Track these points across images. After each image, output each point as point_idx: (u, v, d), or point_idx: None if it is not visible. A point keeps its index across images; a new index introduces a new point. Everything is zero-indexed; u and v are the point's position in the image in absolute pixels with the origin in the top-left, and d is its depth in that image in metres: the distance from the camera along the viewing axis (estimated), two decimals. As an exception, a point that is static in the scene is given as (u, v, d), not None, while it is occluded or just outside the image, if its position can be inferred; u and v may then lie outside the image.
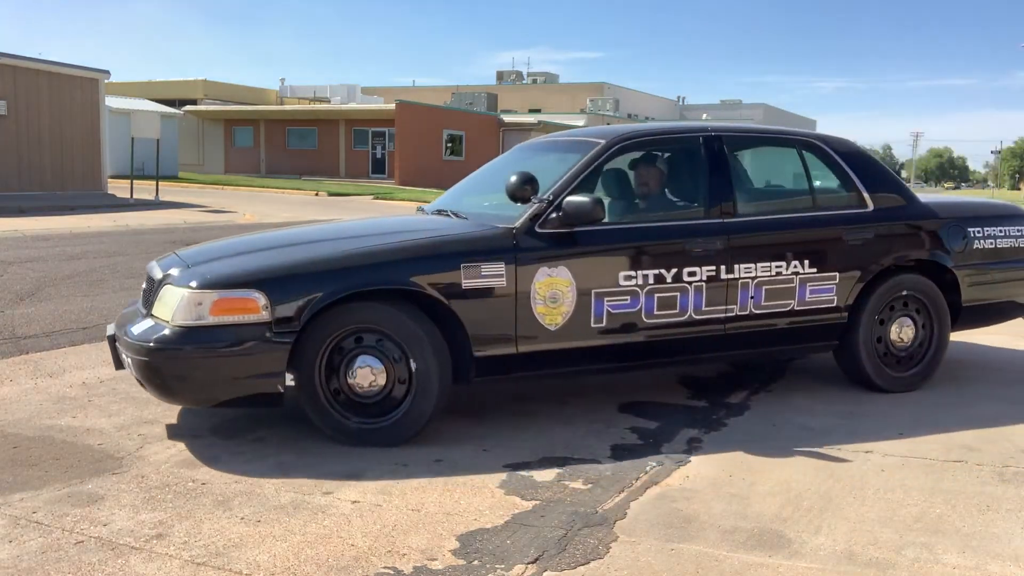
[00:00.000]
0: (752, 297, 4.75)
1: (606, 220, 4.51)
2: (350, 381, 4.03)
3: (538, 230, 4.34)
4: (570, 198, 4.35)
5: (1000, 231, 5.42)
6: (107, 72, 23.46)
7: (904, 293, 5.11)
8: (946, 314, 5.21)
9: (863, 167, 5.23)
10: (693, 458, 3.97)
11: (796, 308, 4.87)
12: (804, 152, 5.22)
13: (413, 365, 4.05)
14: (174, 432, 4.24)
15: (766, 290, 4.78)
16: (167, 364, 3.89)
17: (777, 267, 4.80)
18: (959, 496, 3.55)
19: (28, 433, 4.19)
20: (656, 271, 4.53)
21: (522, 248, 4.28)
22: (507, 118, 44.30)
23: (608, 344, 4.51)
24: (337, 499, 3.44)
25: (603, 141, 4.79)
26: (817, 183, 5.26)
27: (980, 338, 6.58)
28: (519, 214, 4.38)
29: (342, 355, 4.04)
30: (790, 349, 5.17)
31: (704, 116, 70.40)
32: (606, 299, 4.43)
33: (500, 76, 67.40)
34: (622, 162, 5.13)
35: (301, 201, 26.12)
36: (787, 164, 5.51)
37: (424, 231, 4.57)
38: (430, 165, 37.64)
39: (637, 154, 5.18)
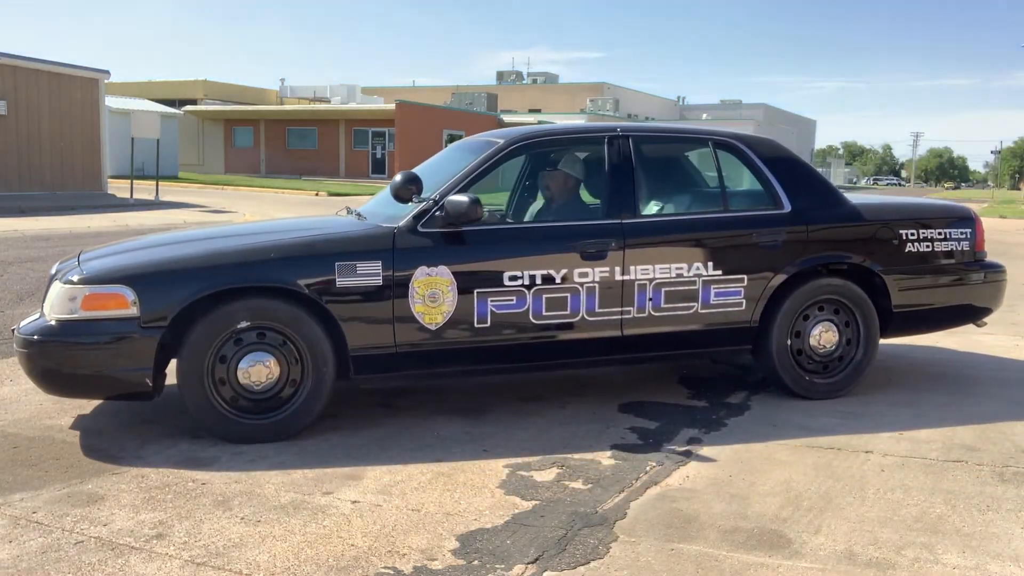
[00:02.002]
0: (650, 299, 4.64)
1: (508, 220, 4.60)
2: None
3: (420, 229, 4.36)
4: (450, 197, 4.36)
5: (939, 233, 5.19)
6: (107, 72, 23.47)
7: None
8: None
9: (783, 168, 5.06)
10: (693, 458, 3.97)
11: (700, 311, 4.73)
12: (718, 151, 5.07)
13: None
14: (174, 432, 4.24)
15: (665, 292, 4.66)
16: (41, 356, 4.00)
17: (677, 269, 4.67)
18: (959, 496, 3.55)
19: (28, 433, 4.19)
20: (544, 271, 4.46)
21: (400, 248, 4.29)
22: (507, 118, 44.30)
23: (493, 344, 4.46)
24: (337, 499, 3.44)
25: (501, 142, 4.78)
26: (729, 184, 5.10)
27: (979, 339, 6.58)
28: (403, 214, 4.43)
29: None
30: (696, 353, 5.00)
31: (704, 116, 70.44)
32: (490, 299, 4.40)
33: (500, 76, 67.40)
34: (520, 162, 5.12)
35: (301, 201, 26.12)
36: (701, 164, 5.38)
37: (310, 231, 4.64)
38: (430, 165, 37.63)
39: (536, 155, 5.17)
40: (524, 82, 66.10)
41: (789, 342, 4.91)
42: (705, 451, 4.07)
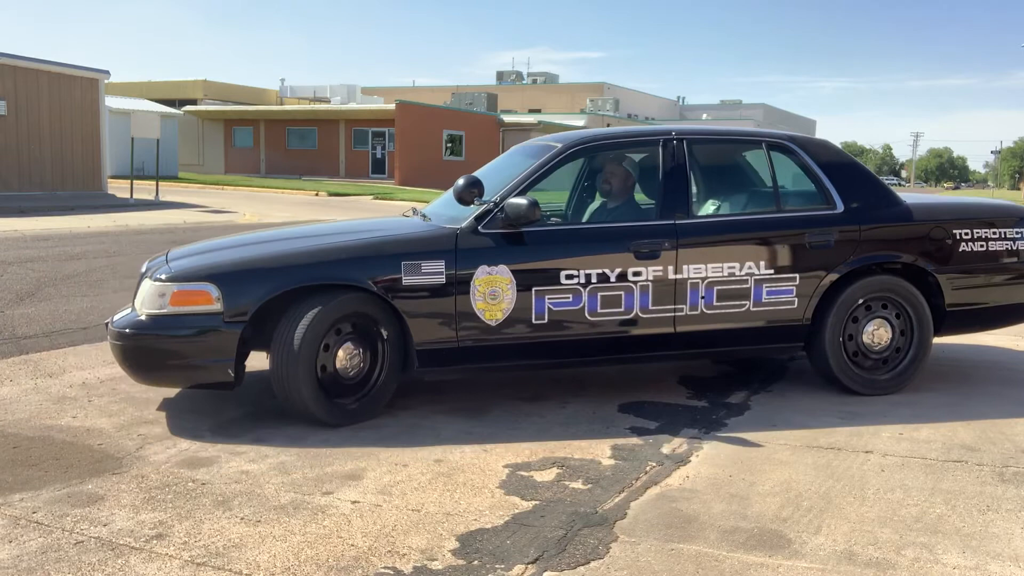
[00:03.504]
0: (703, 297, 4.75)
1: (560, 221, 4.87)
2: (336, 364, 4.37)
3: (481, 230, 4.57)
4: (509, 200, 4.57)
5: (994, 233, 5.23)
6: (107, 72, 23.47)
7: (878, 295, 5.01)
8: (927, 318, 5.05)
9: (836, 169, 5.14)
10: (693, 458, 3.97)
11: (752, 309, 4.83)
12: (772, 153, 5.16)
13: (383, 349, 4.45)
14: (174, 432, 4.24)
15: (717, 290, 4.77)
16: (132, 348, 4.32)
17: (730, 268, 4.78)
18: (959, 496, 3.55)
19: (28, 433, 4.19)
20: (599, 270, 4.62)
21: (463, 248, 4.51)
22: (507, 118, 44.30)
23: (550, 339, 4.64)
24: (337, 499, 3.44)
25: (559, 146, 4.96)
26: (783, 184, 5.18)
27: (980, 338, 6.58)
28: (465, 215, 4.62)
29: (339, 335, 4.38)
30: (749, 350, 5.08)
31: (704, 116, 70.47)
32: (547, 296, 4.56)
33: (500, 76, 67.40)
34: (577, 165, 5.30)
35: (301, 201, 26.12)
36: (754, 165, 5.46)
37: (378, 231, 4.90)
38: (430, 165, 37.65)
39: (593, 157, 5.31)
40: (524, 82, 66.10)
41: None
42: (705, 451, 4.07)
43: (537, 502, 3.43)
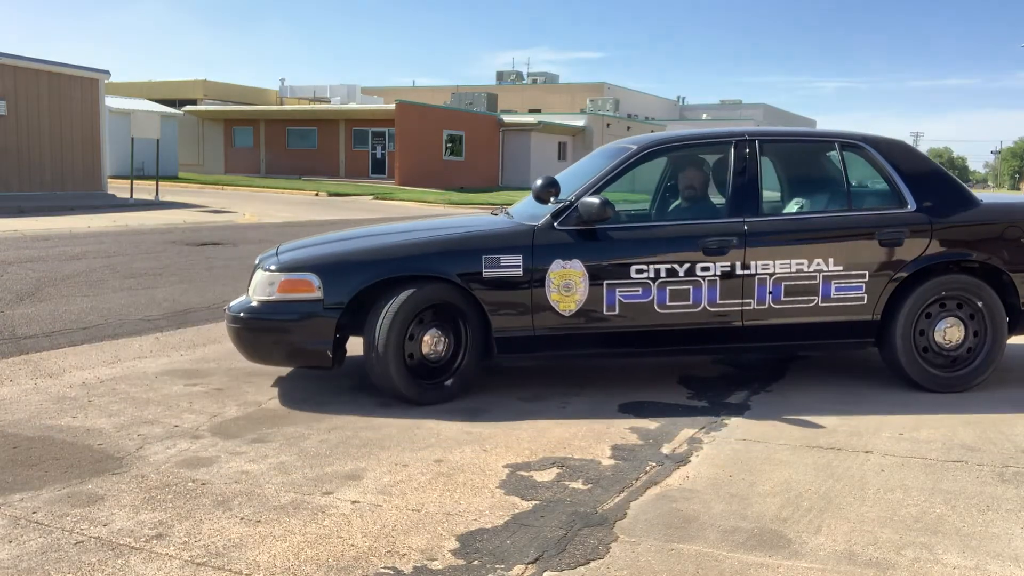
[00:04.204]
0: (770, 292, 4.92)
1: (637, 218, 5.18)
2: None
3: (557, 227, 4.87)
4: (584, 199, 4.84)
5: None
6: (107, 72, 23.47)
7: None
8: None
9: (909, 168, 5.22)
10: (693, 458, 3.97)
11: (820, 305, 4.96)
12: (845, 152, 5.28)
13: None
14: (174, 432, 4.24)
15: (785, 286, 4.93)
16: (245, 330, 4.84)
17: (798, 264, 4.93)
18: (959, 496, 3.55)
19: (28, 433, 4.19)
20: (668, 265, 4.85)
21: (539, 243, 4.82)
22: (507, 118, 44.28)
23: (621, 330, 4.89)
24: (337, 499, 3.44)
25: (634, 147, 5.23)
26: (855, 183, 5.32)
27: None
28: (543, 213, 4.93)
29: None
30: (815, 344, 5.23)
31: (704, 116, 70.40)
32: (618, 289, 4.82)
33: (500, 76, 67.39)
34: (651, 166, 5.49)
35: (301, 201, 26.12)
36: (826, 165, 5.56)
37: (462, 228, 5.30)
38: (430, 165, 37.64)
39: (666, 158, 5.53)
40: (524, 82, 66.09)
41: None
42: (705, 451, 4.07)
43: (537, 502, 3.43)
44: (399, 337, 4.63)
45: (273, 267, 4.87)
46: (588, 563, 2.92)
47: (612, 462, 3.90)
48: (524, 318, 4.80)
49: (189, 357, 5.88)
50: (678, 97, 74.11)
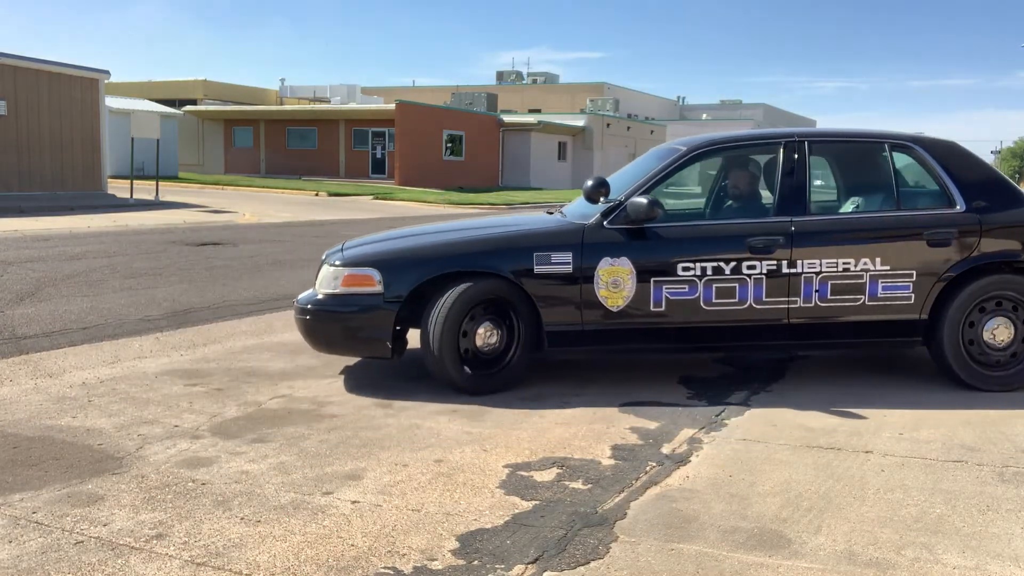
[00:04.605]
0: (817, 291, 5.00)
1: (685, 217, 5.31)
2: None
3: (606, 226, 5.04)
4: (632, 199, 5.01)
5: None
6: (107, 72, 23.47)
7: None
8: None
9: (959, 169, 5.24)
10: (693, 458, 3.97)
11: (867, 303, 5.02)
12: (894, 153, 5.34)
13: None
14: (174, 432, 4.24)
15: (831, 285, 5.00)
16: (311, 320, 5.11)
17: (844, 263, 5.01)
18: (959, 496, 3.54)
19: (28, 433, 4.19)
20: (715, 263, 4.98)
21: (588, 241, 5.01)
22: (507, 118, 44.28)
23: (668, 326, 5.05)
24: (337, 499, 3.44)
25: (683, 148, 5.36)
26: (904, 183, 5.37)
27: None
28: (593, 212, 5.12)
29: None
30: (862, 342, 5.28)
31: (704, 116, 70.37)
32: (665, 286, 4.97)
33: (500, 76, 67.39)
34: (702, 166, 5.67)
35: (301, 201, 26.12)
36: (876, 165, 5.59)
37: (515, 226, 5.55)
38: (430, 165, 37.63)
39: (715, 159, 5.65)
40: (524, 82, 66.09)
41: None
42: (705, 451, 4.07)
43: (537, 502, 3.43)
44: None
45: (338, 262, 5.17)
46: (588, 563, 2.92)
47: (612, 462, 3.90)
48: (573, 313, 4.98)
49: (189, 357, 5.88)
50: (678, 97, 74.13)
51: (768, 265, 4.97)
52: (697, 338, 5.12)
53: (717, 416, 4.64)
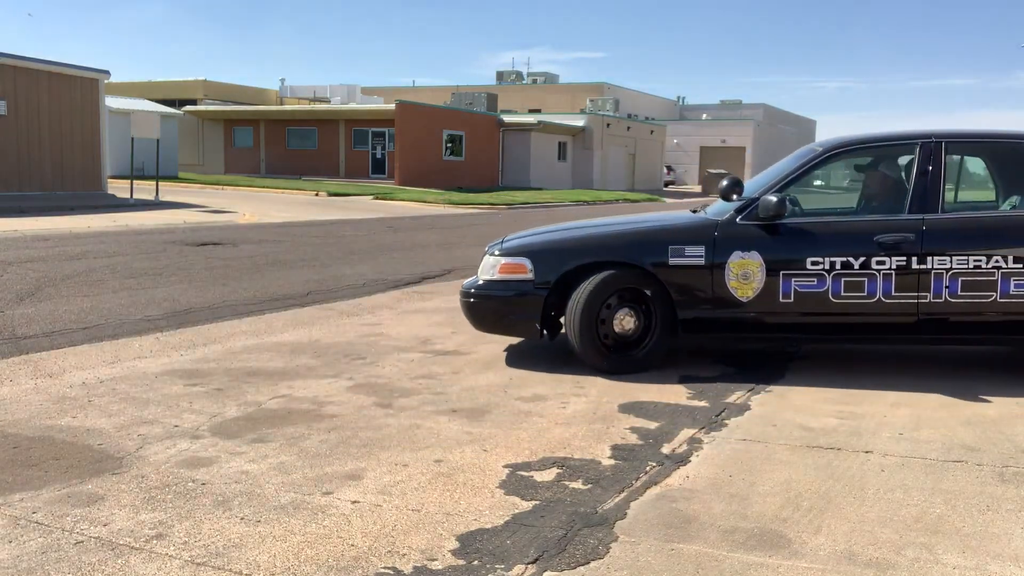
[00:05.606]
0: (947, 287, 5.13)
1: (815, 214, 5.54)
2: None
3: (739, 222, 5.39)
4: (764, 196, 5.33)
5: None
6: (107, 72, 23.47)
7: None
8: None
9: None
10: (693, 458, 3.97)
11: (998, 300, 5.13)
12: None
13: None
14: (174, 432, 4.24)
15: (962, 282, 5.12)
16: (472, 303, 5.81)
17: (975, 261, 5.11)
18: (959, 496, 3.54)
19: (28, 433, 4.19)
20: (844, 258, 5.19)
21: (721, 236, 5.38)
22: (507, 118, 44.26)
23: (795, 317, 5.32)
24: (337, 499, 3.44)
25: (820, 149, 5.64)
26: None
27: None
28: (727, 210, 5.47)
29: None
30: (994, 339, 5.40)
31: (704, 116, 70.32)
32: (794, 279, 5.25)
33: (500, 76, 67.39)
34: (836, 166, 5.89)
35: (301, 201, 26.12)
36: (1012, 165, 5.68)
37: (654, 222, 6.13)
38: (430, 165, 37.63)
39: (850, 159, 5.87)
40: (524, 82, 66.09)
41: None
42: (705, 451, 4.07)
43: (537, 502, 3.43)
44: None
45: (496, 252, 5.81)
46: (588, 563, 2.92)
47: (612, 462, 3.90)
48: (706, 303, 5.36)
49: (189, 357, 5.88)
50: (678, 97, 74.12)
51: (898, 261, 5.13)
52: (825, 330, 5.39)
53: (717, 416, 4.64)
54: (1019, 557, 3.01)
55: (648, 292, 5.39)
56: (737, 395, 5.06)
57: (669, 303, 5.39)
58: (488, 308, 5.76)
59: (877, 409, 4.77)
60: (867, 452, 4.07)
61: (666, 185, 58.14)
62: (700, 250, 5.35)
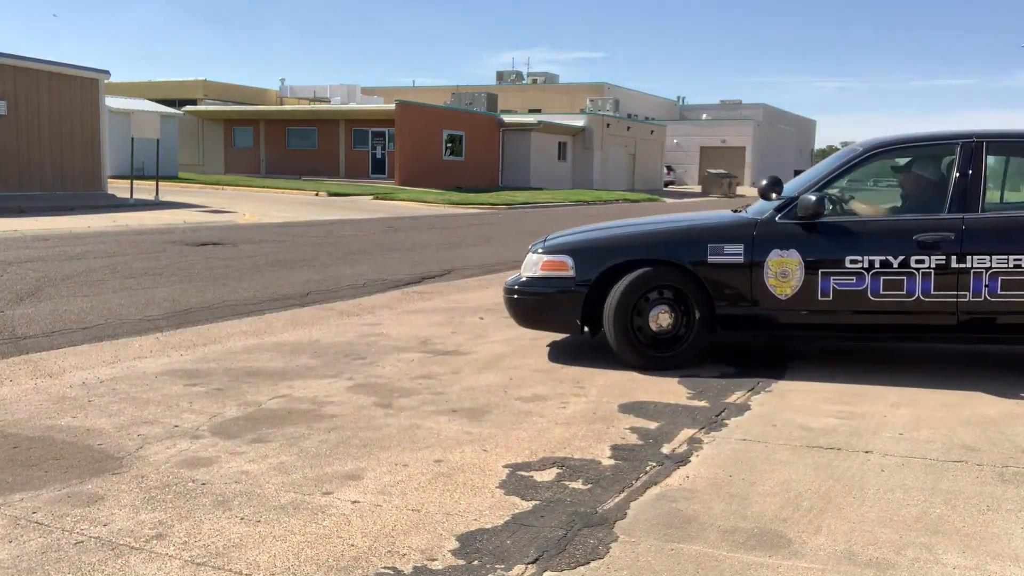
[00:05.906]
0: (986, 286, 5.14)
1: (853, 213, 5.60)
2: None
3: (778, 221, 5.45)
4: (803, 195, 5.38)
5: None
6: (107, 72, 23.47)
7: None
8: None
9: None
10: (693, 458, 3.97)
11: None
12: None
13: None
14: (174, 432, 4.24)
15: (1002, 281, 5.14)
16: (515, 300, 5.95)
17: (1016, 260, 5.12)
18: (959, 496, 3.54)
19: (28, 433, 4.19)
20: (883, 257, 5.23)
21: (760, 235, 5.43)
22: (507, 118, 44.27)
23: (834, 314, 5.35)
24: (337, 499, 3.44)
25: (860, 149, 5.66)
26: None
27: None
28: (766, 208, 5.54)
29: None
30: None
31: (704, 116, 70.32)
32: (832, 278, 5.29)
33: (500, 76, 67.42)
34: (877, 165, 5.86)
35: (301, 201, 26.12)
36: None
37: (693, 221, 6.17)
38: (430, 165, 37.63)
39: (890, 158, 5.86)
40: (524, 82, 66.12)
41: None
42: (705, 451, 4.07)
43: (537, 502, 3.43)
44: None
45: (540, 250, 5.92)
46: (588, 563, 2.92)
47: (612, 462, 3.90)
48: (744, 300, 5.42)
49: (189, 357, 5.88)
50: (678, 97, 74.16)
51: (937, 260, 5.15)
52: (864, 328, 5.42)
53: (717, 416, 4.64)
54: (1019, 557, 3.01)
55: (687, 290, 5.45)
56: (737, 395, 5.06)
57: (708, 301, 5.45)
58: (530, 304, 5.87)
59: (877, 409, 4.77)
60: (867, 452, 4.07)
61: (666, 185, 58.15)
62: (739, 248, 5.41)
